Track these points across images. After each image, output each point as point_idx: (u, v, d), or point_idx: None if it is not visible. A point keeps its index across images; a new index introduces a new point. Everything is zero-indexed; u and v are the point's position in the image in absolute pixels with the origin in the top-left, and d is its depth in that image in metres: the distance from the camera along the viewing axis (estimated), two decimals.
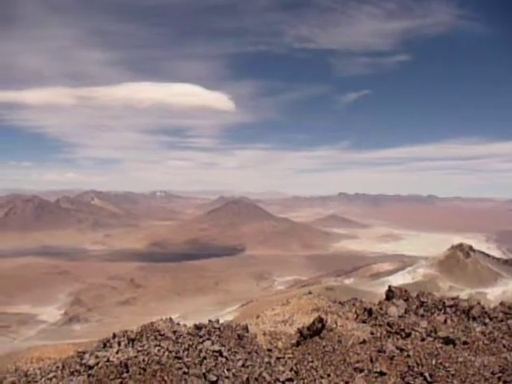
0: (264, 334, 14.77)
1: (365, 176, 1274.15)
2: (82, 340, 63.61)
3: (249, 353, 12.26)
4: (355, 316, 16.62)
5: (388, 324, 14.56)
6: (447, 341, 13.21)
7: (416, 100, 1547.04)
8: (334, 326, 14.74)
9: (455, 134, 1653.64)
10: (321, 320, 14.00)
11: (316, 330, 13.76)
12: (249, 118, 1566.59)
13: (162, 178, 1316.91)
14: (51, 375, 11.90)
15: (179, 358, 11.17)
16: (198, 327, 12.81)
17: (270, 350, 13.03)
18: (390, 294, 17.66)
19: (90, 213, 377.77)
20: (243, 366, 11.56)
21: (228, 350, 11.97)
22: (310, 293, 22.10)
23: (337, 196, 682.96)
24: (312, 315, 16.21)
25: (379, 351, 12.70)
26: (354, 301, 19.05)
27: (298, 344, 13.57)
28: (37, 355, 31.86)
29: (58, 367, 12.33)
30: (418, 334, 13.74)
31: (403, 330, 13.99)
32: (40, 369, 12.99)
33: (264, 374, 11.45)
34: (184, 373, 10.80)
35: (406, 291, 17.68)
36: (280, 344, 13.91)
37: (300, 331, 13.86)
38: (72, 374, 11.59)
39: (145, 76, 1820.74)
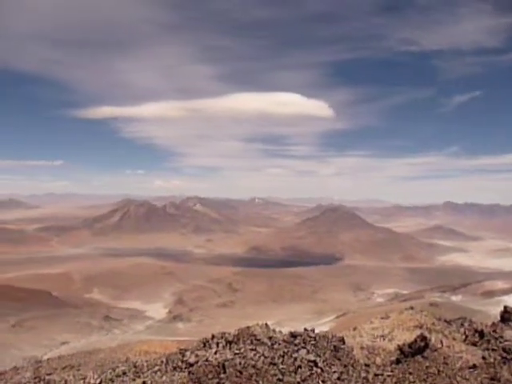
0: (361, 347, 14.23)
1: (475, 184, 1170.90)
2: (184, 338, 67.36)
3: (345, 366, 11.89)
4: (464, 337, 15.25)
5: (503, 349, 13.09)
6: None
7: None
8: (439, 346, 13.66)
9: None
10: (424, 338, 13.07)
11: (418, 348, 12.87)
12: (348, 125, 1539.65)
13: (261, 185, 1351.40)
14: (156, 368, 12.74)
15: (274, 365, 11.23)
16: (293, 335, 12.77)
17: (367, 365, 12.49)
18: (506, 315, 15.91)
19: (193, 218, 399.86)
20: (338, 378, 11.23)
21: (323, 361, 11.74)
22: (411, 308, 20.83)
23: (443, 205, 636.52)
24: (414, 332, 15.24)
25: (492, 379, 11.48)
26: (463, 320, 17.50)
27: (397, 362, 12.82)
28: (144, 349, 34.33)
29: (162, 362, 13.17)
30: None
31: None
32: (147, 361, 14.00)
33: None
34: (279, 379, 10.82)
35: None
36: (378, 360, 13.27)
37: (400, 348, 13.08)
38: (174, 369, 12.29)
39: (247, 87, 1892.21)
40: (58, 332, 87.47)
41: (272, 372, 10.95)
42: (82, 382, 13.49)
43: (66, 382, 14.76)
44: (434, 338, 14.24)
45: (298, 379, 10.85)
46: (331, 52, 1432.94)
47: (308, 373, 11.12)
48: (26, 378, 19.30)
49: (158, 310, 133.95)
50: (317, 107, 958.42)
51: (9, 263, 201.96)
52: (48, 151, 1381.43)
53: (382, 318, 19.16)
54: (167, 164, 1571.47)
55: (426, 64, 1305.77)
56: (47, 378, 16.72)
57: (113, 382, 12.66)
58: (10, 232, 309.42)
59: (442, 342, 14.13)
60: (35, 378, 17.93)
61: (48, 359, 38.22)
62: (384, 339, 15.63)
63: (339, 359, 12.11)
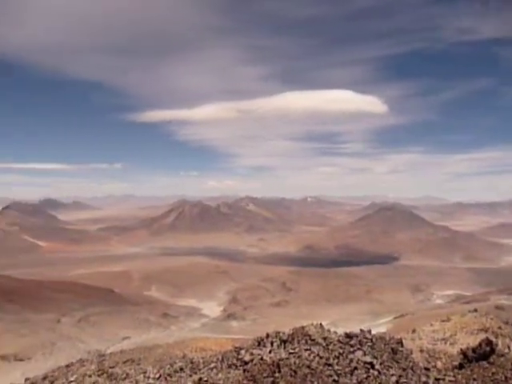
0: (421, 350, 13.71)
1: None
2: (239, 336, 68.11)
3: (403, 369, 11.49)
4: None
5: None
6: None
7: None
8: (507, 351, 12.86)
9: None
10: (489, 342, 12.34)
11: (484, 353, 12.18)
12: (403, 120, 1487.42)
13: (314, 183, 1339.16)
14: (212, 365, 12.97)
15: (329, 365, 11.07)
16: (348, 336, 12.53)
17: (427, 369, 12.00)
18: None
19: (246, 217, 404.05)
20: (397, 382, 10.87)
21: (380, 364, 11.41)
22: (475, 310, 19.80)
23: (509, 202, 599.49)
24: (478, 336, 14.47)
25: None
26: None
27: (460, 367, 12.21)
28: (200, 346, 35.12)
29: (218, 359, 13.40)
30: None
31: None
32: (203, 358, 14.31)
33: None
34: (334, 381, 10.65)
35: None
36: (439, 364, 12.72)
37: (464, 352, 12.45)
38: (230, 366, 12.45)
39: (298, 86, 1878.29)
40: (119, 327, 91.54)
41: (327, 373, 10.80)
42: (142, 375, 14.03)
43: (127, 375, 15.42)
44: (500, 343, 13.43)
45: (354, 381, 10.63)
46: (383, 46, 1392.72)
47: (364, 375, 10.86)
48: (90, 370, 20.38)
49: (212, 308, 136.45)
50: (370, 103, 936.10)
51: (73, 261, 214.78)
52: (108, 154, 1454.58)
53: (443, 321, 18.35)
54: (220, 165, 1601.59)
55: (485, 53, 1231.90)
56: (110, 370, 17.54)
57: (171, 377, 13.04)
58: (74, 232, 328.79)
59: (509, 347, 13.29)
60: (99, 370, 18.88)
61: (111, 353, 40.16)
62: (445, 343, 14.96)
63: (397, 362, 11.73)
